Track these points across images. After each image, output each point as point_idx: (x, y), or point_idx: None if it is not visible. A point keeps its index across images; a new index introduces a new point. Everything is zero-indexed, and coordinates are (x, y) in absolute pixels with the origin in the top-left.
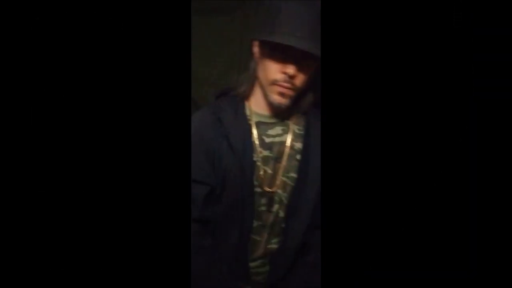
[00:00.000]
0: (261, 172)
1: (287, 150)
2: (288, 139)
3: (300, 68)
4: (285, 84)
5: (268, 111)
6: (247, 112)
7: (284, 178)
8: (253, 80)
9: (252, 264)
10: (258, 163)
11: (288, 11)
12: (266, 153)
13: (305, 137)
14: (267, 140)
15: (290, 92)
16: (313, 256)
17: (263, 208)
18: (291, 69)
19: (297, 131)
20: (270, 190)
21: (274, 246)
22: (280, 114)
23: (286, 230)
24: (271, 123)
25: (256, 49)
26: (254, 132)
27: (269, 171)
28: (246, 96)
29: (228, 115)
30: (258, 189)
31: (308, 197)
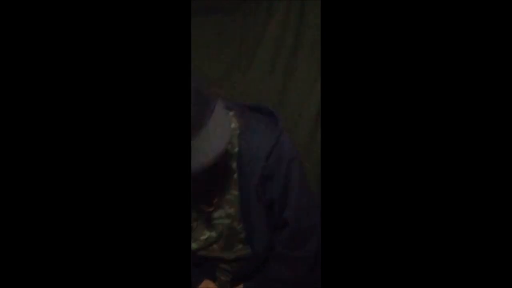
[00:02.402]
0: None
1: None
2: None
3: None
4: None
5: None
6: None
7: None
8: None
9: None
10: None
11: None
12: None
13: (238, 157)
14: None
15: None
16: (274, 251)
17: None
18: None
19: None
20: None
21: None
22: None
23: (248, 243)
24: None
25: None
26: None
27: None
28: None
29: None
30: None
31: (256, 210)
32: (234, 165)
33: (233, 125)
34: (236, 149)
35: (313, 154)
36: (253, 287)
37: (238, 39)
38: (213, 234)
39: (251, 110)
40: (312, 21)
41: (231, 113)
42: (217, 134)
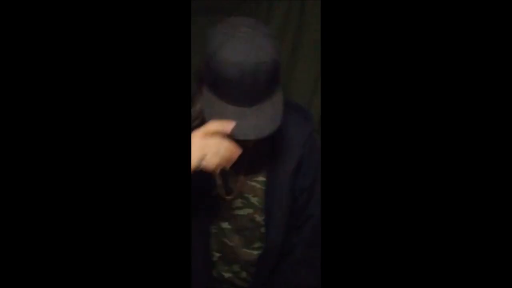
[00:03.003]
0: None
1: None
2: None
3: None
4: None
5: None
6: None
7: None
8: None
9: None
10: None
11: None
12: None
13: (270, 141)
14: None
15: None
16: (297, 253)
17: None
18: None
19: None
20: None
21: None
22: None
23: (267, 235)
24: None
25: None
26: None
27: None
28: None
29: None
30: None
31: (281, 200)
32: (266, 150)
33: None
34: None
35: None
36: None
37: None
38: (228, 225)
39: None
40: (312, 21)
41: None
42: (269, 115)
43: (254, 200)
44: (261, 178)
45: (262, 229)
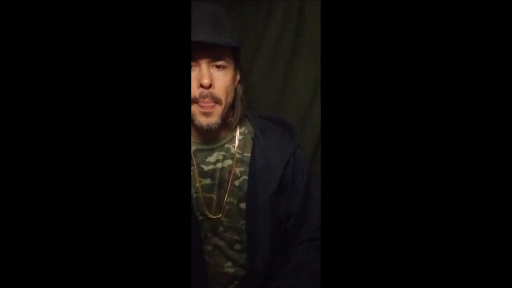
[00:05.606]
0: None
1: (229, 176)
2: (229, 164)
3: (217, 76)
4: (206, 101)
5: (202, 138)
6: None
7: (227, 205)
8: None
9: None
10: (198, 194)
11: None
12: (207, 181)
13: (251, 161)
14: (207, 168)
15: (214, 109)
16: (279, 283)
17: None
18: (205, 79)
19: (238, 155)
20: (214, 217)
21: (238, 272)
22: (216, 138)
23: (250, 256)
24: (209, 149)
25: None
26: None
27: (214, 198)
28: None
29: None
30: (201, 217)
31: (264, 222)
32: (243, 170)
33: (244, 129)
34: (249, 154)
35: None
36: None
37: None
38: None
39: (264, 119)
40: (312, 21)
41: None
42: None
43: (226, 221)
44: (234, 201)
45: (244, 244)
